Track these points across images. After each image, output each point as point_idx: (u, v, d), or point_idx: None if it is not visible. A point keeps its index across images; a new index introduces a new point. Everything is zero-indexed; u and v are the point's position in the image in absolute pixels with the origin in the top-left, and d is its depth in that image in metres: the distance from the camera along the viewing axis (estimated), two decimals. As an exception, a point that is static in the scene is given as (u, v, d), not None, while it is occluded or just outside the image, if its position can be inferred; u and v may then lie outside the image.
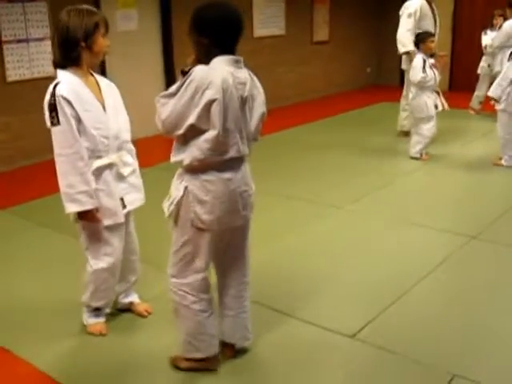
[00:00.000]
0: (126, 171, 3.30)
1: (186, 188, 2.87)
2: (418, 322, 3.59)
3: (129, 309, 3.67)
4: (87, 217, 3.17)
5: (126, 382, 3.12)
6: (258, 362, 3.24)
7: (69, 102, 3.04)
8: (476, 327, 3.50)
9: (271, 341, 3.40)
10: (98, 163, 3.17)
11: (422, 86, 6.79)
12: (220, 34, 2.74)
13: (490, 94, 6.68)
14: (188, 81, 2.69)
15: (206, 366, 3.12)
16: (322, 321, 3.58)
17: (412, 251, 4.57)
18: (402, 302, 3.80)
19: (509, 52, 6.66)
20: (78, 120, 3.06)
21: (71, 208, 3.13)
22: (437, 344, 3.35)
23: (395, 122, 8.22)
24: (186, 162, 2.82)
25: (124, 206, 3.30)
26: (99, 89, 3.25)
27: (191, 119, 2.71)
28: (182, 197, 2.87)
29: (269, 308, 3.73)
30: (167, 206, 2.94)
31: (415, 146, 7.02)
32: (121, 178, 3.28)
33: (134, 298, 3.67)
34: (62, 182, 3.11)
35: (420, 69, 6.74)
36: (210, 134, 2.73)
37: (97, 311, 3.50)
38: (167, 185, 3.00)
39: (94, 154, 3.14)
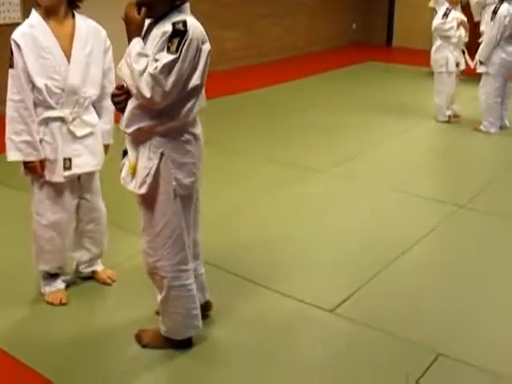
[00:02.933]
0: (79, 131, 3.06)
1: (161, 154, 2.58)
2: (402, 295, 3.38)
3: (92, 277, 3.42)
4: (31, 169, 3.02)
5: (86, 354, 2.88)
6: (231, 336, 3.02)
7: (18, 47, 2.88)
8: (464, 303, 3.30)
9: (245, 314, 3.18)
10: (46, 114, 2.99)
11: (440, 35, 6.60)
12: None
13: (477, 56, 6.47)
14: (188, 40, 2.41)
15: (186, 344, 2.89)
16: (299, 294, 3.35)
17: (398, 220, 4.35)
18: (385, 273, 3.58)
19: (490, 11, 6.42)
20: (24, 67, 2.89)
21: (14, 156, 3.01)
22: (422, 320, 3.15)
23: (381, 82, 7.96)
24: (166, 126, 2.54)
25: (68, 168, 3.05)
26: (72, 35, 2.99)
27: (196, 80, 2.50)
28: (159, 165, 2.58)
29: (243, 278, 3.50)
30: (139, 182, 2.61)
31: (440, 109, 6.79)
32: (73, 137, 3.05)
33: (97, 266, 3.43)
34: (8, 128, 2.98)
35: (440, 16, 6.57)
36: (198, 90, 2.54)
37: (52, 278, 3.26)
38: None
39: (44, 103, 2.97)
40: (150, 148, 2.58)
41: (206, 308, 3.05)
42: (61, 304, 3.19)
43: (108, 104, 3.04)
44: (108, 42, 3.13)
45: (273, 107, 7.36)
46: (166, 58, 2.40)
